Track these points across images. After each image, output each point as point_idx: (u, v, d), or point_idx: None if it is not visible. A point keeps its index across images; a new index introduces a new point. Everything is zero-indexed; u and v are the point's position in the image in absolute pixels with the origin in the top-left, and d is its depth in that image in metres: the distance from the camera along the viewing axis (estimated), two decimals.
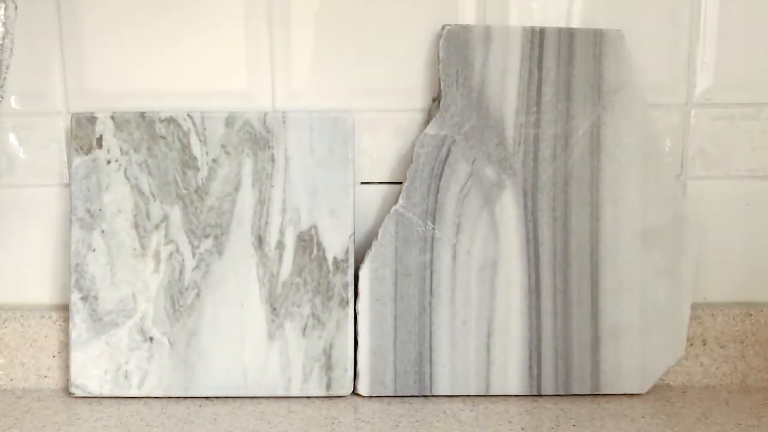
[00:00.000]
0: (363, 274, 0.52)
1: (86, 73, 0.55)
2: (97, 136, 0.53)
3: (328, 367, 0.53)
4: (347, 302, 0.53)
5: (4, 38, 0.48)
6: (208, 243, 0.53)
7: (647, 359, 0.53)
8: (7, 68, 0.49)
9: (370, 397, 0.53)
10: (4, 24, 0.48)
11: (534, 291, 0.52)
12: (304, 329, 0.53)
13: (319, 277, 0.52)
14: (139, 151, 0.53)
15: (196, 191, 0.53)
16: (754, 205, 0.56)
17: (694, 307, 0.55)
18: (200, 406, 0.52)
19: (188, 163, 0.53)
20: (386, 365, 0.53)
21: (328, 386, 0.53)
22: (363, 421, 0.50)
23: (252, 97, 0.55)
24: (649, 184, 0.52)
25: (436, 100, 0.53)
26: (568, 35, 0.52)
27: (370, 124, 0.55)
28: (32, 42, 0.54)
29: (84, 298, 0.53)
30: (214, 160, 0.53)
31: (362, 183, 0.55)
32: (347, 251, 0.53)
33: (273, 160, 0.53)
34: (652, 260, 0.53)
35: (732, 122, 0.55)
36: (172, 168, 0.53)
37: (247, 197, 0.53)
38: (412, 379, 0.53)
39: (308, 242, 0.53)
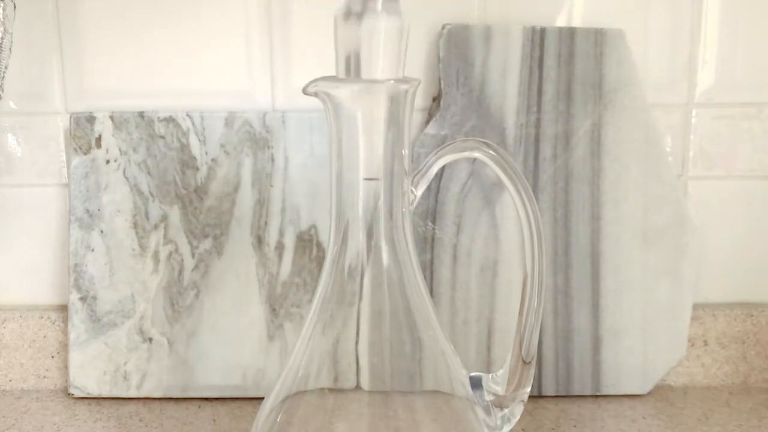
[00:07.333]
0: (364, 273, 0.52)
1: (85, 72, 0.55)
2: (96, 135, 0.53)
3: None
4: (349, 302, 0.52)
5: (2, 38, 0.48)
6: (207, 243, 0.52)
7: (648, 360, 0.53)
8: (6, 68, 0.49)
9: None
10: (3, 23, 0.48)
11: None
12: None
13: (318, 278, 0.52)
14: (138, 150, 0.53)
15: (195, 191, 0.53)
16: (756, 205, 0.56)
17: (696, 307, 0.55)
18: (199, 407, 0.52)
19: (187, 162, 0.52)
20: (386, 365, 0.53)
21: None
22: None
23: (251, 96, 0.55)
24: (650, 184, 0.52)
25: (436, 99, 0.53)
26: (569, 34, 0.51)
27: None
28: (31, 41, 0.54)
29: (83, 299, 0.53)
30: (213, 160, 0.52)
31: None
32: None
33: (272, 160, 0.52)
34: (653, 260, 0.53)
35: (733, 122, 0.55)
36: (171, 168, 0.53)
37: (246, 197, 0.52)
38: None
39: (308, 242, 0.53)
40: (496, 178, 0.52)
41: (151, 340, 0.53)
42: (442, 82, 0.52)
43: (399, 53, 0.33)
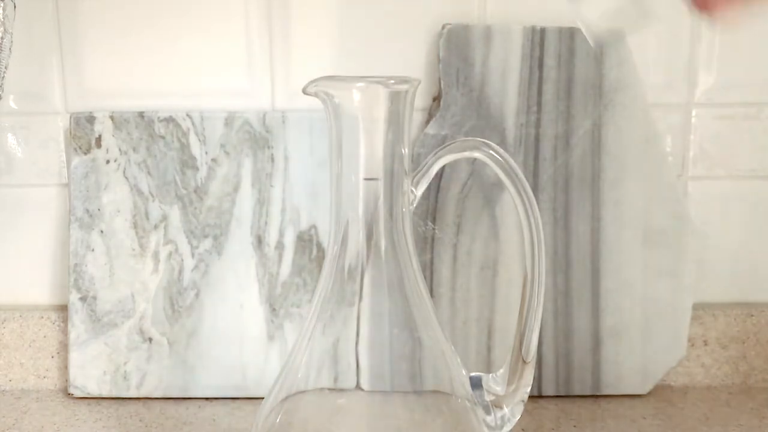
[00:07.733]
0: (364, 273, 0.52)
1: (85, 72, 0.55)
2: (96, 135, 0.53)
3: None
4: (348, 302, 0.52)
5: (2, 38, 0.48)
6: (207, 243, 0.52)
7: (648, 360, 0.53)
8: (6, 68, 0.49)
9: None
10: (3, 23, 0.48)
11: None
12: None
13: (318, 278, 0.52)
14: (138, 150, 0.53)
15: (195, 191, 0.52)
16: (756, 205, 0.56)
17: (695, 307, 0.55)
18: (199, 406, 0.52)
19: (187, 162, 0.52)
20: (386, 365, 0.53)
21: None
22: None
23: (251, 96, 0.55)
24: (650, 184, 0.52)
25: (437, 99, 0.53)
26: (569, 34, 0.51)
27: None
28: (31, 41, 0.54)
29: (83, 299, 0.53)
30: (213, 160, 0.52)
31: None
32: None
33: (272, 160, 0.52)
34: (653, 260, 0.53)
35: (733, 122, 0.55)
36: (171, 168, 0.52)
37: (246, 197, 0.52)
38: None
39: (308, 242, 0.53)
40: (496, 178, 0.52)
41: (151, 340, 0.53)
42: (442, 82, 0.52)
43: None
